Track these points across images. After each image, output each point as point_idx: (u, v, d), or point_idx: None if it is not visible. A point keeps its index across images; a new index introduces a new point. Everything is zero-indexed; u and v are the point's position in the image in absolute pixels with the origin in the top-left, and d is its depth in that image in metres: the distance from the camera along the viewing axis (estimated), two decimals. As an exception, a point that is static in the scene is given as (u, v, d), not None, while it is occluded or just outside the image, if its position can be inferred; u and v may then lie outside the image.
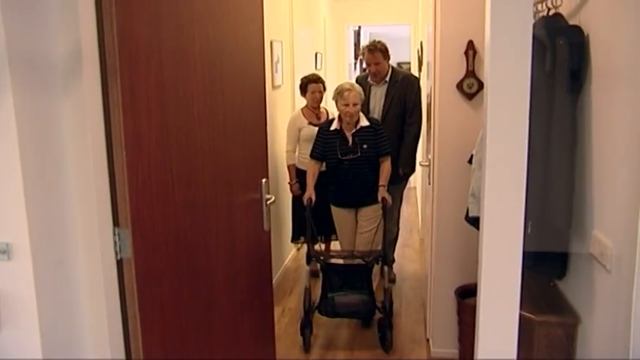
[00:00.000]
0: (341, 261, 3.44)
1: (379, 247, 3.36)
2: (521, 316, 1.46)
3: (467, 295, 2.75)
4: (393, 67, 3.99)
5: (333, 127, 3.47)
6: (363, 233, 3.58)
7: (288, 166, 4.08)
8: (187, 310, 1.74)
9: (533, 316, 1.83)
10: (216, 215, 1.91)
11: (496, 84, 1.17)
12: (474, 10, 2.61)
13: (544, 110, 1.70)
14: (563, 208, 1.81)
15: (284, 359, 3.11)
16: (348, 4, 7.65)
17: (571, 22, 1.82)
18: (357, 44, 9.22)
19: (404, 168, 3.89)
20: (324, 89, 4.18)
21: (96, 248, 1.38)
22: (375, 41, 3.94)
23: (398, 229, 4.34)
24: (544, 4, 1.89)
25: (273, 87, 4.04)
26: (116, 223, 1.45)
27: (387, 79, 3.93)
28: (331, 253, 3.71)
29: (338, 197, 3.62)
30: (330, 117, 3.98)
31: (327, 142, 3.49)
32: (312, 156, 3.57)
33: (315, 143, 3.58)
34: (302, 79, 4.13)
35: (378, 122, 3.60)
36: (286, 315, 3.71)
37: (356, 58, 9.32)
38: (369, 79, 4.00)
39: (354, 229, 3.63)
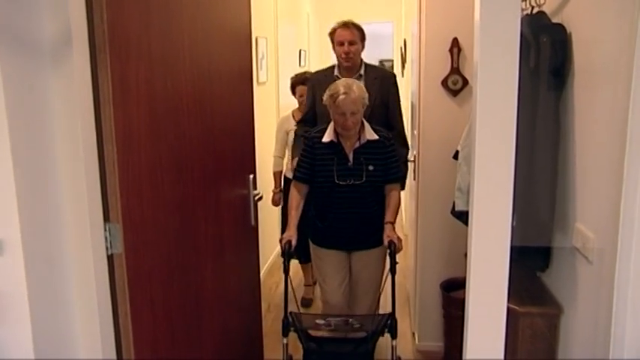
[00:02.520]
0: (328, 334, 2.41)
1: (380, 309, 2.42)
2: (506, 308, 1.49)
3: (452, 288, 2.80)
4: (363, 60, 3.10)
5: (327, 139, 2.49)
6: (364, 290, 2.62)
7: (274, 173, 3.66)
8: (177, 306, 1.74)
9: (517, 308, 1.87)
10: (205, 210, 1.92)
11: (484, 80, 1.19)
12: (459, 7, 2.65)
13: (528, 106, 1.73)
14: (547, 202, 1.85)
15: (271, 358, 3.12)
16: (331, 2, 7.65)
17: (554, 20, 1.86)
18: (340, 41, 9.22)
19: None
20: None
21: (87, 244, 1.37)
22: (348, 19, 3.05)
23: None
24: (528, 2, 1.93)
25: (258, 83, 4.04)
26: (107, 218, 1.44)
27: (362, 72, 3.00)
28: (318, 321, 2.42)
29: (325, 235, 2.61)
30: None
31: (318, 158, 2.51)
32: (296, 178, 2.60)
33: (300, 159, 2.60)
34: (291, 79, 3.73)
35: (389, 135, 2.57)
36: (272, 311, 3.72)
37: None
38: (335, 71, 3.03)
39: (344, 282, 2.64)
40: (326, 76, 3.04)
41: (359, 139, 2.47)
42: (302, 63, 5.97)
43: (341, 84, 2.42)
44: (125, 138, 1.44)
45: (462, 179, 2.27)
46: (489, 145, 1.21)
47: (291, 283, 2.45)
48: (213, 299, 2.00)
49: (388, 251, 2.40)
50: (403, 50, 5.54)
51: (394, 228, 2.46)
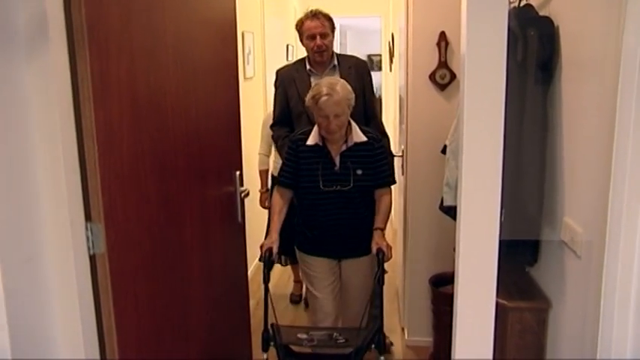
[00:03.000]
0: (310, 350, 2.27)
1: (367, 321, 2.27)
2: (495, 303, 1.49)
3: (441, 283, 2.79)
4: (334, 51, 2.93)
5: (311, 142, 2.35)
6: (353, 299, 2.47)
7: (260, 172, 3.50)
8: (163, 305, 1.71)
9: (506, 302, 1.87)
10: (190, 208, 1.89)
11: (472, 74, 1.18)
12: (446, 1, 2.64)
13: (516, 100, 1.73)
14: (535, 197, 1.85)
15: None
16: (318, -4, 7.60)
17: (541, 13, 1.85)
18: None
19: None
20: None
21: (67, 244, 1.33)
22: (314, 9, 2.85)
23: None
24: (515, -6, 1.92)
25: (245, 78, 4.00)
26: (88, 217, 1.41)
27: (335, 62, 2.84)
28: (300, 335, 2.26)
29: (312, 243, 2.47)
30: None
31: (302, 162, 2.37)
32: (279, 183, 2.46)
33: (283, 163, 2.45)
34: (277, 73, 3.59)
35: (378, 136, 2.44)
36: (261, 308, 3.67)
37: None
38: (307, 66, 2.85)
39: (335, 289, 2.51)
40: (298, 71, 2.86)
41: (346, 141, 2.33)
42: (289, 58, 5.92)
43: (324, 84, 2.25)
44: (107, 134, 1.41)
45: (450, 174, 2.27)
46: (477, 139, 1.20)
47: (272, 300, 2.30)
48: (200, 298, 1.97)
49: (377, 257, 2.26)
50: (391, 45, 5.52)
51: (384, 235, 2.33)
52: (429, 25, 2.73)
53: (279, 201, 2.43)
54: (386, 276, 2.38)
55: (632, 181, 1.28)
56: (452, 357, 1.44)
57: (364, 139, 2.34)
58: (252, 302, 3.50)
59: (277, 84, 2.99)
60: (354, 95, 2.31)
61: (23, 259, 1.28)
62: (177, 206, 1.79)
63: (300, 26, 2.81)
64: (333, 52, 2.86)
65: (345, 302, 2.53)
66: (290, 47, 6.05)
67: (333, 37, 2.85)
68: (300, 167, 2.37)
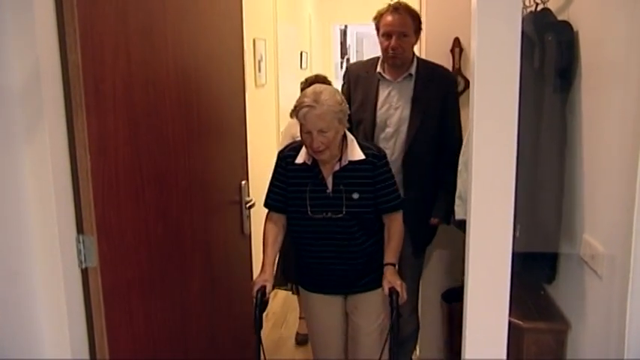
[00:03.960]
0: None
1: None
2: (509, 323, 1.40)
3: (453, 298, 2.69)
4: (415, 55, 2.42)
5: (300, 160, 2.02)
6: (363, 343, 2.10)
7: None
8: (160, 321, 1.65)
9: (521, 323, 1.77)
10: (191, 220, 1.83)
11: (483, 82, 1.10)
12: (460, 7, 2.54)
13: (533, 109, 1.64)
14: (553, 211, 1.75)
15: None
16: (334, 3, 7.58)
17: (560, 18, 1.77)
18: (343, 43, 9.17)
19: (441, 215, 2.41)
20: None
21: (56, 257, 1.28)
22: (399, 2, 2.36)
23: (418, 322, 2.69)
24: (532, -1, 1.84)
25: (257, 86, 3.95)
26: (80, 230, 1.35)
27: (413, 71, 2.35)
28: None
29: (308, 276, 2.15)
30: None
31: (291, 183, 2.03)
32: (267, 205, 2.11)
33: (271, 183, 2.10)
34: (301, 83, 3.22)
35: (380, 152, 2.04)
36: (270, 319, 3.63)
37: (342, 57, 9.28)
38: (378, 67, 2.38)
39: (341, 331, 2.15)
40: (367, 71, 2.42)
41: (340, 159, 1.97)
42: (303, 65, 5.88)
43: (308, 92, 1.89)
44: (100, 144, 1.36)
45: (462, 186, 2.17)
46: (488, 148, 1.12)
47: (263, 351, 1.96)
48: (200, 312, 1.91)
49: (389, 297, 1.89)
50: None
51: (397, 271, 1.96)
52: (443, 31, 2.66)
53: (272, 229, 2.08)
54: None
55: (659, 197, 1.18)
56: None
57: (362, 156, 1.98)
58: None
59: (344, 81, 2.56)
60: (346, 106, 1.93)
61: (10, 272, 1.23)
62: (176, 217, 1.73)
63: (377, 20, 2.35)
64: (414, 56, 2.38)
65: (355, 346, 2.14)
66: (304, 54, 6.02)
67: (417, 39, 2.38)
68: (288, 187, 2.04)
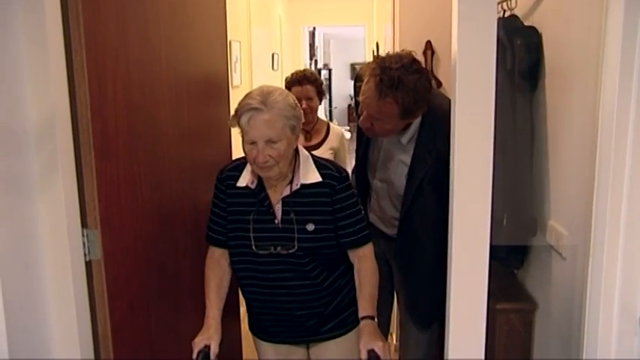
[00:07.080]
0: None
1: None
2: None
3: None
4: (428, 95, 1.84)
5: (242, 183, 1.64)
6: None
7: None
8: (158, 312, 1.73)
9: (494, 304, 1.90)
10: (183, 216, 1.91)
11: (463, 83, 1.21)
12: (433, 10, 2.69)
13: (505, 108, 1.77)
14: (525, 202, 1.89)
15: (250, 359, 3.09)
16: (302, 5, 7.67)
17: (526, 24, 1.91)
18: (312, 45, 9.28)
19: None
20: (320, 93, 2.78)
21: (65, 250, 1.34)
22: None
23: None
24: (500, 6, 1.98)
25: (232, 87, 4.01)
26: (85, 224, 1.42)
27: (417, 126, 1.85)
28: None
29: (261, 324, 1.76)
30: (334, 133, 2.79)
31: (231, 211, 1.66)
32: (207, 239, 1.72)
33: (211, 211, 1.71)
34: (286, 79, 2.87)
35: (340, 172, 1.64)
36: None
37: (310, 59, 9.38)
38: None
39: None
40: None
41: (291, 182, 1.61)
42: (275, 67, 5.96)
43: (255, 92, 1.52)
44: (103, 144, 1.43)
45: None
46: (467, 145, 1.23)
47: None
48: (194, 303, 1.98)
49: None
50: (376, 53, 5.59)
51: (375, 327, 1.57)
52: (416, 34, 2.78)
53: (215, 270, 1.68)
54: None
55: (615, 184, 1.32)
56: (445, 357, 1.47)
57: (319, 178, 1.60)
58: (242, 308, 3.49)
59: (355, 82, 2.12)
60: (300, 111, 1.56)
61: (21, 266, 1.28)
62: (171, 213, 1.81)
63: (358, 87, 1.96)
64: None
65: None
66: (275, 56, 6.09)
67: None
68: (228, 218, 1.66)
